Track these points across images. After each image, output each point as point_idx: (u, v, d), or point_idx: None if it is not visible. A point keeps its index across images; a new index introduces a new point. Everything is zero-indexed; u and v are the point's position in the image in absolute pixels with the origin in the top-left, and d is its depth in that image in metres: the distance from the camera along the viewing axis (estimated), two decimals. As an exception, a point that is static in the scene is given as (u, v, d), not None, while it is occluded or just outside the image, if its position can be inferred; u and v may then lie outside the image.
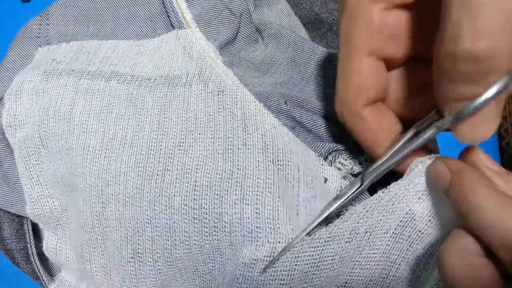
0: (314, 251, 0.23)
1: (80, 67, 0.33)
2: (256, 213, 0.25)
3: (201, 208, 0.26)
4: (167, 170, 0.27)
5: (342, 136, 0.29)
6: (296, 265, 0.23)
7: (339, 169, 0.26)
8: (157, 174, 0.27)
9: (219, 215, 0.26)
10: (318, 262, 0.23)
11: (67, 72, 0.32)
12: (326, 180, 0.27)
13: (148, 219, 0.26)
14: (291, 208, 0.25)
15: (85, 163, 0.29)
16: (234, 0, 0.35)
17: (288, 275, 0.23)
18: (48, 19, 0.38)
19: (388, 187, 0.24)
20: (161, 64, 0.32)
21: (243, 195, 0.26)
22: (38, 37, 0.37)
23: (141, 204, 0.27)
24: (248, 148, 0.27)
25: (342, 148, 0.27)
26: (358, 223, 0.23)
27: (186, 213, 0.26)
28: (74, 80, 0.32)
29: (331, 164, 0.27)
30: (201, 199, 0.26)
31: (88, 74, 0.32)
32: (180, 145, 0.28)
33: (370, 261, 0.23)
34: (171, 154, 0.28)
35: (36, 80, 0.32)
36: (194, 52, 0.32)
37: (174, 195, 0.26)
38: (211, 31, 0.35)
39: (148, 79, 0.32)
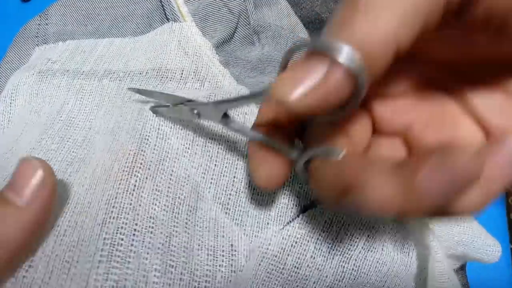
0: (280, 252, 0.23)
1: (74, 66, 0.32)
2: (226, 213, 0.25)
3: (176, 198, 0.24)
4: (141, 150, 0.25)
5: None
6: (261, 262, 0.23)
7: None
8: (128, 154, 0.24)
9: (193, 208, 0.24)
10: (282, 268, 0.23)
11: (61, 72, 0.32)
12: None
13: (107, 200, 0.23)
14: (263, 209, 0.25)
15: (60, 151, 0.27)
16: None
17: (253, 270, 0.23)
18: (47, 19, 0.38)
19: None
20: (153, 56, 0.31)
21: (216, 192, 0.25)
22: (36, 36, 0.37)
23: (105, 185, 0.24)
24: (230, 146, 0.26)
25: None
26: (320, 235, 0.24)
27: (156, 198, 0.24)
28: (67, 80, 0.31)
29: None
30: (177, 188, 0.24)
31: (82, 74, 0.31)
32: (158, 129, 0.26)
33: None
34: (147, 139, 0.25)
35: (30, 81, 0.31)
36: (189, 48, 0.31)
37: (146, 178, 0.24)
38: (207, 27, 0.34)
39: (140, 73, 0.30)
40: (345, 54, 0.14)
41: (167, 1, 0.34)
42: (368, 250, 0.24)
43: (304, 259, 0.23)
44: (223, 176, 0.25)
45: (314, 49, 0.15)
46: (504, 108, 0.19)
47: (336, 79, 0.15)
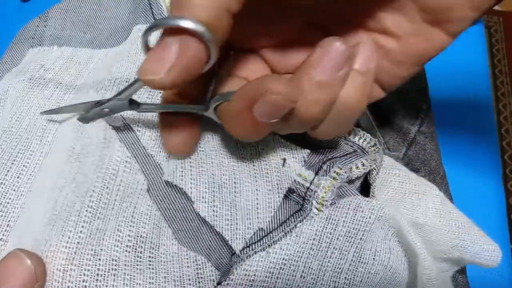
0: (268, 276, 0.23)
1: (68, 79, 0.31)
2: (214, 210, 0.24)
3: (138, 237, 0.23)
4: (106, 188, 0.24)
5: (336, 143, 0.28)
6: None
7: (334, 178, 0.25)
8: (93, 191, 0.23)
9: (156, 245, 0.24)
10: None
11: (55, 84, 0.30)
12: (284, 161, 0.26)
13: (67, 244, 0.22)
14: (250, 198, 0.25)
15: (45, 182, 0.26)
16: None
17: None
18: (46, 21, 0.37)
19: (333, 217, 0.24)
20: (139, 60, 0.30)
21: (199, 191, 0.25)
22: (32, 38, 0.36)
23: (65, 225, 0.22)
24: (201, 144, 0.26)
25: (336, 156, 0.26)
26: (309, 254, 0.23)
27: (118, 240, 0.23)
28: (59, 94, 0.30)
29: (326, 173, 0.25)
30: (139, 227, 0.24)
31: (74, 88, 0.30)
32: (126, 162, 0.25)
33: None
34: (115, 171, 0.24)
35: (19, 87, 0.30)
36: None
37: (109, 219, 0.23)
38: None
39: (126, 81, 0.29)
40: (188, 24, 0.17)
41: (156, 0, 0.33)
42: (359, 262, 0.23)
43: (294, 280, 0.23)
44: (202, 174, 0.25)
45: (164, 28, 0.18)
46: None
47: (190, 47, 0.17)
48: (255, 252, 0.24)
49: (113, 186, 0.24)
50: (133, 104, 0.24)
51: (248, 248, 0.24)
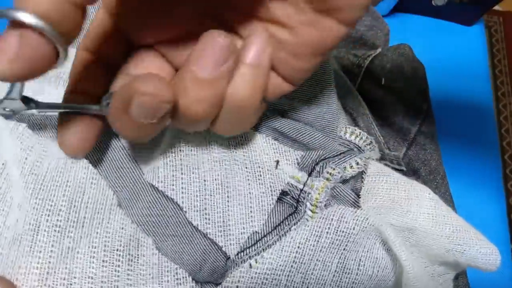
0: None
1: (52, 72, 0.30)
2: (206, 218, 0.24)
3: (114, 250, 0.22)
4: (73, 206, 0.22)
5: (329, 142, 0.28)
6: None
7: (327, 179, 0.25)
8: (60, 209, 0.22)
9: (135, 257, 0.23)
10: None
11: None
12: (277, 163, 0.26)
13: (38, 264, 0.20)
14: (242, 203, 0.25)
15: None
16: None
17: None
18: None
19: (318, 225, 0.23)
20: None
21: (191, 200, 0.24)
22: None
23: (33, 245, 0.21)
24: (192, 150, 0.25)
25: (329, 156, 0.26)
26: (292, 267, 0.22)
27: (93, 256, 0.22)
28: (35, 86, 0.28)
29: (319, 174, 0.25)
30: (114, 240, 0.22)
31: (56, 77, 0.29)
32: (92, 179, 0.23)
33: None
34: (81, 188, 0.23)
35: None
36: None
37: (80, 237, 0.22)
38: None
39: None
40: (26, 17, 0.15)
41: None
42: (343, 272, 0.23)
43: None
44: (193, 182, 0.24)
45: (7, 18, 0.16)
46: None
47: (30, 41, 0.16)
48: (250, 257, 0.23)
49: (80, 204, 0.22)
50: (30, 103, 0.23)
51: (242, 253, 0.24)
